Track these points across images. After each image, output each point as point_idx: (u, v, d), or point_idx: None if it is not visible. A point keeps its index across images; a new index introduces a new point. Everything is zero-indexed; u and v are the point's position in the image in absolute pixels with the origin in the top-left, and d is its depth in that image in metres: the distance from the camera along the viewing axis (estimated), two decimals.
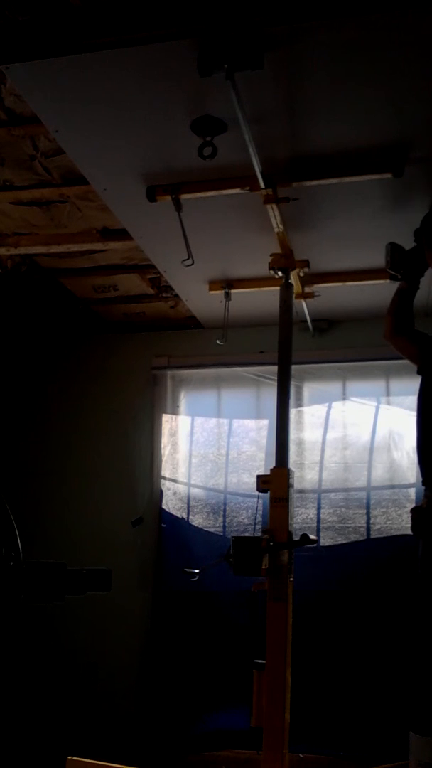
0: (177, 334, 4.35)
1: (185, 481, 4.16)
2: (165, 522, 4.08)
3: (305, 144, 2.41)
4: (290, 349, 2.96)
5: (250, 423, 4.16)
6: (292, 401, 3.10)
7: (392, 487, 3.82)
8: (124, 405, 4.34)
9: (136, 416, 4.30)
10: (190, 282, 3.54)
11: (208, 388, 4.29)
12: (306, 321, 3.79)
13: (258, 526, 3.84)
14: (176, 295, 3.85)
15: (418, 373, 2.71)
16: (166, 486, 4.15)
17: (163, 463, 4.18)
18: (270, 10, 1.88)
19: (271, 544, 2.57)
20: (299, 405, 4.05)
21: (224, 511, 4.04)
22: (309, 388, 4.11)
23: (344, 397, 4.04)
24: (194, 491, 4.14)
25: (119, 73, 2.07)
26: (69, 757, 3.00)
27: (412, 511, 2.64)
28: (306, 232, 2.96)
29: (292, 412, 3.67)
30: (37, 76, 2.09)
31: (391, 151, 2.41)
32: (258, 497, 3.78)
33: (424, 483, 2.62)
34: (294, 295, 3.09)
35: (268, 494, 2.71)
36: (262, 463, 3.99)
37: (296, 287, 3.14)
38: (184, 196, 2.63)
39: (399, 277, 2.79)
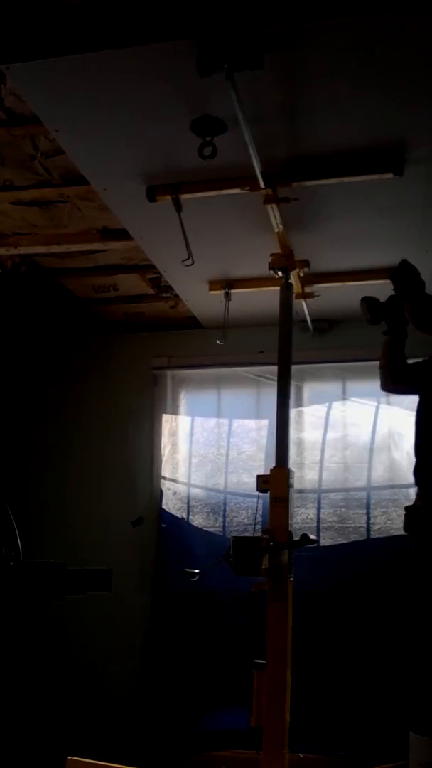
0: (177, 334, 4.35)
1: (185, 481, 4.16)
2: (165, 522, 4.08)
3: (305, 144, 2.41)
4: (290, 349, 2.96)
5: (250, 423, 4.16)
6: (292, 401, 3.10)
7: (392, 487, 3.82)
8: (124, 405, 4.34)
9: (136, 416, 4.30)
10: (190, 282, 3.54)
11: (208, 388, 4.29)
12: (306, 321, 3.79)
13: (258, 526, 3.83)
14: (176, 295, 3.85)
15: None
16: (166, 486, 4.15)
17: (163, 463, 4.18)
18: (270, 10, 1.88)
19: (271, 544, 2.57)
20: (299, 405, 4.05)
21: (224, 511, 4.04)
22: (309, 388, 4.11)
23: (344, 397, 4.04)
24: (194, 491, 4.14)
25: (119, 73, 2.07)
26: (69, 757, 3.00)
27: (406, 509, 2.65)
28: (306, 232, 2.96)
29: (292, 412, 3.67)
30: (37, 76, 2.08)
31: (391, 151, 2.41)
32: (258, 497, 3.78)
33: (418, 483, 2.63)
34: (294, 295, 3.09)
35: (268, 494, 2.71)
36: (262, 463, 3.98)
37: (296, 287, 3.14)
38: (184, 196, 2.63)
39: (384, 330, 2.81)
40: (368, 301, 2.81)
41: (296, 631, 2.65)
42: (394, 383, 2.86)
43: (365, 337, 3.95)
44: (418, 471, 2.65)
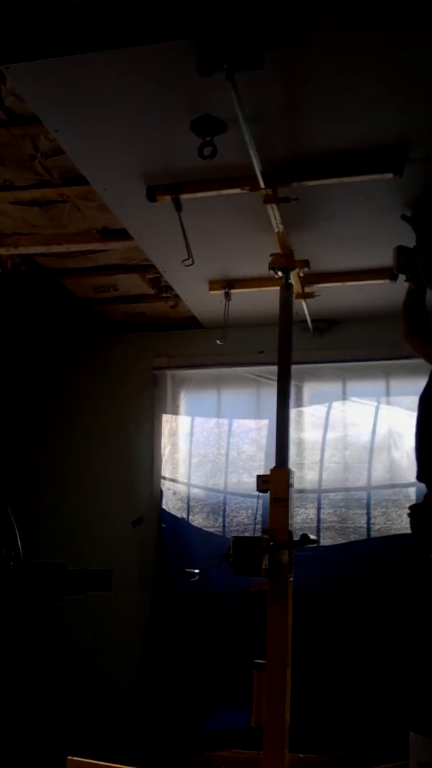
0: (177, 334, 4.35)
1: (185, 481, 4.16)
2: (165, 522, 4.08)
3: (305, 144, 2.41)
4: (290, 349, 2.96)
5: (250, 423, 4.16)
6: (292, 401, 3.10)
7: (392, 487, 3.82)
8: (124, 405, 4.34)
9: (136, 416, 4.30)
10: (190, 282, 3.54)
11: (208, 388, 4.29)
12: (306, 321, 3.79)
13: (258, 526, 3.83)
14: (176, 295, 3.85)
15: None
16: (166, 486, 4.15)
17: (163, 463, 4.18)
18: (270, 10, 1.88)
19: (271, 544, 2.57)
20: (299, 405, 4.05)
21: (224, 511, 4.04)
22: (309, 388, 4.10)
23: (344, 397, 4.03)
24: (194, 491, 4.14)
25: (119, 73, 2.07)
26: (69, 757, 3.00)
27: (410, 508, 2.63)
28: (306, 232, 2.95)
29: (292, 412, 3.67)
30: (37, 76, 2.08)
31: (391, 151, 2.41)
32: (258, 497, 3.78)
33: (423, 480, 2.60)
34: (294, 295, 3.09)
35: (268, 494, 2.71)
36: (262, 463, 3.98)
37: (296, 287, 3.14)
38: (184, 196, 2.63)
39: (406, 278, 2.79)
40: (401, 250, 2.74)
41: (296, 631, 2.65)
42: (410, 336, 2.77)
43: (365, 337, 3.98)
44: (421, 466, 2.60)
